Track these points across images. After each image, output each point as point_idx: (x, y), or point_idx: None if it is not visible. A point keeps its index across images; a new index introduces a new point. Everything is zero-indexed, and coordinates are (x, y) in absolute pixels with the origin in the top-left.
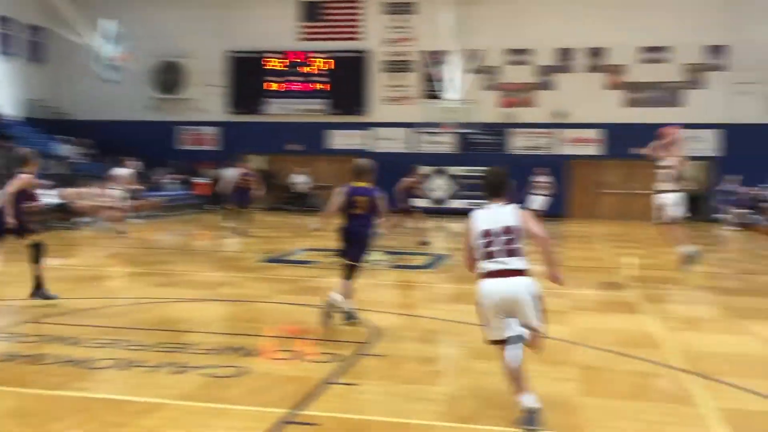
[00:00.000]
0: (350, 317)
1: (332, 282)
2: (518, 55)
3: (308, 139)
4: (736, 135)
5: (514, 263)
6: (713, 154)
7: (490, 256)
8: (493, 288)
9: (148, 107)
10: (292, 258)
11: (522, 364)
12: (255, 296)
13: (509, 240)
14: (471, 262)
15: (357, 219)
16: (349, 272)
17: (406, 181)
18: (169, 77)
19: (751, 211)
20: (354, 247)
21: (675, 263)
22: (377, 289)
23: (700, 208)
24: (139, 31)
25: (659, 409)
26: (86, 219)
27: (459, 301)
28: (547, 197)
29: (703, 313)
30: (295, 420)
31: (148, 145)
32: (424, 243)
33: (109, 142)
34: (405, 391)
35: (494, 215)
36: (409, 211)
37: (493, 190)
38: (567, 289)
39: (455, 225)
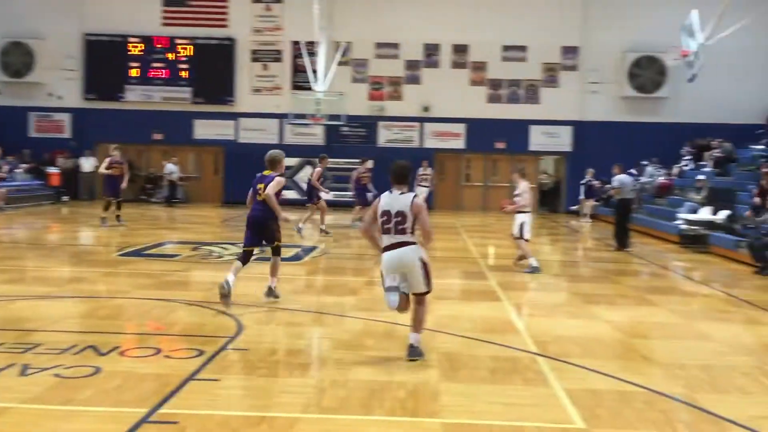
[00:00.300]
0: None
1: (197, 275)
2: (386, 48)
3: (173, 128)
4: (587, 131)
5: (403, 238)
6: (567, 150)
7: (387, 231)
8: (389, 257)
9: None
10: (153, 252)
11: (407, 311)
12: (112, 292)
13: (400, 221)
14: (367, 232)
15: (259, 204)
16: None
17: (356, 172)
18: (17, 59)
19: (599, 202)
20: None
21: (532, 253)
22: (242, 282)
23: (555, 200)
24: None
25: (516, 391)
26: None
27: (326, 293)
28: (429, 188)
29: (556, 300)
30: (154, 419)
31: None
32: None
33: None
34: (268, 385)
35: (394, 200)
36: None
37: (398, 178)
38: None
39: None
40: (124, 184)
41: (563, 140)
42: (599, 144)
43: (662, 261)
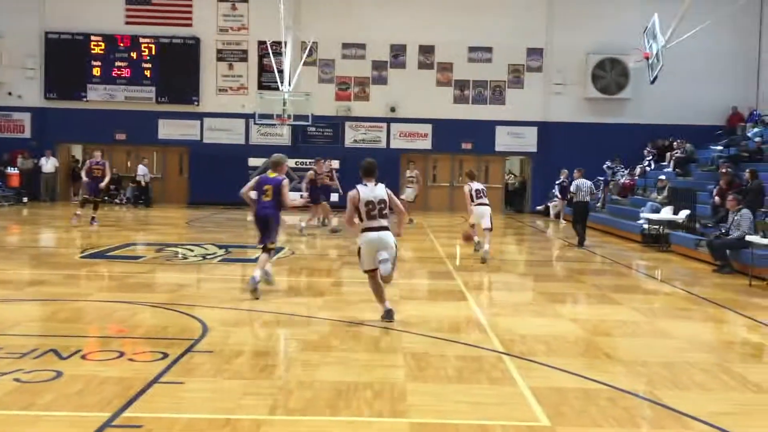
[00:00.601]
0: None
1: (161, 277)
2: (353, 49)
3: (136, 128)
4: (552, 132)
5: (384, 222)
6: (532, 150)
7: (372, 217)
8: (373, 236)
9: None
10: (116, 254)
11: (384, 281)
12: (74, 294)
13: (383, 207)
14: (350, 221)
15: (266, 204)
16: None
17: (309, 173)
18: None
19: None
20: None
21: (497, 252)
22: (208, 284)
23: (521, 200)
24: None
25: (482, 390)
26: None
27: (292, 294)
28: (415, 190)
29: (522, 299)
30: (117, 423)
31: None
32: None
33: None
34: (234, 387)
35: (371, 191)
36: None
37: (368, 173)
38: (397, 279)
39: (289, 218)
40: (102, 184)
41: (528, 141)
42: (564, 144)
43: (625, 260)
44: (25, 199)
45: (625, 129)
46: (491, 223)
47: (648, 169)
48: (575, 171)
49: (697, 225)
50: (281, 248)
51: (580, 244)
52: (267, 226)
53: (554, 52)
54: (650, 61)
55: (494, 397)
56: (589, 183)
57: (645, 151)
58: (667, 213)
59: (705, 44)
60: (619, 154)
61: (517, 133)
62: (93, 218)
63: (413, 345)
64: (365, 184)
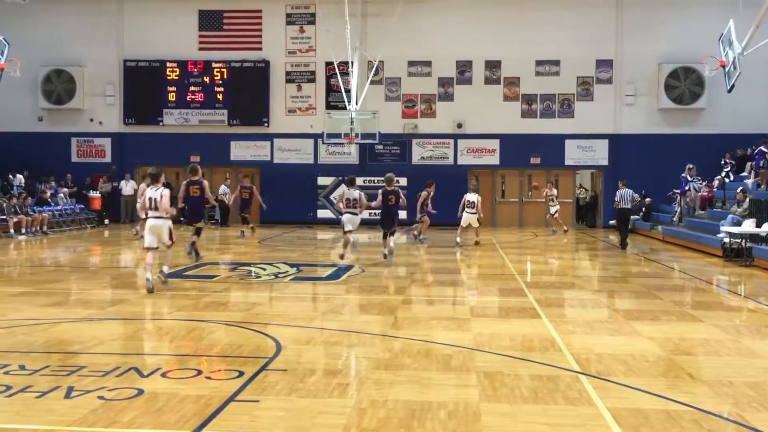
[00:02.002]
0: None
1: (235, 296)
2: (419, 66)
3: (210, 150)
4: (623, 144)
5: (356, 210)
6: (603, 163)
7: (348, 206)
8: (349, 218)
9: (36, 118)
10: (192, 273)
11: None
12: (153, 314)
13: (355, 203)
14: (338, 205)
15: (388, 207)
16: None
17: (422, 194)
18: (59, 86)
19: (638, 216)
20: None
21: (570, 269)
22: (281, 302)
23: (593, 215)
24: (25, 38)
25: (558, 411)
26: None
27: (364, 312)
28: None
29: (597, 316)
30: None
31: (39, 158)
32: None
33: None
34: (308, 405)
35: (350, 193)
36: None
37: (351, 182)
38: (468, 296)
39: (360, 236)
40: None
41: (599, 154)
42: (636, 156)
43: (706, 275)
44: (106, 221)
45: (700, 139)
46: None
47: (726, 180)
48: (619, 182)
49: None
50: (351, 266)
51: (623, 246)
52: (392, 220)
53: (624, 62)
54: (727, 69)
55: (571, 418)
56: (631, 192)
57: (723, 162)
58: (749, 226)
59: None
60: (693, 165)
61: (588, 146)
62: (242, 232)
63: (486, 364)
64: (349, 189)
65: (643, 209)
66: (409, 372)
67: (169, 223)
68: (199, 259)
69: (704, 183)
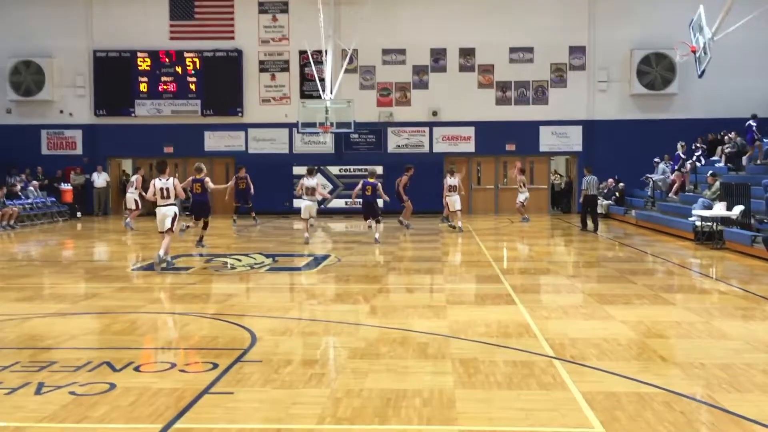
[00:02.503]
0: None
1: (210, 288)
2: (393, 54)
3: (183, 141)
4: (597, 130)
5: (312, 198)
6: (578, 149)
7: (306, 193)
8: (305, 205)
9: (5, 110)
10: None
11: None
12: (126, 307)
13: (312, 191)
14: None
15: (367, 197)
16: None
17: (405, 178)
18: (28, 78)
19: (611, 201)
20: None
21: (545, 254)
22: (256, 293)
23: (567, 200)
24: None
25: (532, 396)
26: None
27: (339, 301)
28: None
29: (572, 301)
30: None
31: (8, 151)
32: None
33: None
34: (282, 396)
35: (307, 181)
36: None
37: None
38: (444, 284)
39: (336, 225)
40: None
41: (573, 140)
42: (610, 142)
43: (678, 258)
44: (78, 214)
45: (672, 124)
46: (460, 206)
47: (698, 164)
48: (584, 169)
49: (752, 221)
50: (327, 255)
51: (586, 228)
52: (371, 209)
53: (597, 49)
54: (697, 55)
55: (545, 403)
56: (596, 178)
57: (693, 146)
58: (720, 209)
59: (753, 35)
60: (665, 153)
61: (562, 132)
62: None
63: (462, 351)
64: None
65: (616, 194)
66: (384, 360)
67: (175, 209)
68: (201, 247)
69: (675, 167)
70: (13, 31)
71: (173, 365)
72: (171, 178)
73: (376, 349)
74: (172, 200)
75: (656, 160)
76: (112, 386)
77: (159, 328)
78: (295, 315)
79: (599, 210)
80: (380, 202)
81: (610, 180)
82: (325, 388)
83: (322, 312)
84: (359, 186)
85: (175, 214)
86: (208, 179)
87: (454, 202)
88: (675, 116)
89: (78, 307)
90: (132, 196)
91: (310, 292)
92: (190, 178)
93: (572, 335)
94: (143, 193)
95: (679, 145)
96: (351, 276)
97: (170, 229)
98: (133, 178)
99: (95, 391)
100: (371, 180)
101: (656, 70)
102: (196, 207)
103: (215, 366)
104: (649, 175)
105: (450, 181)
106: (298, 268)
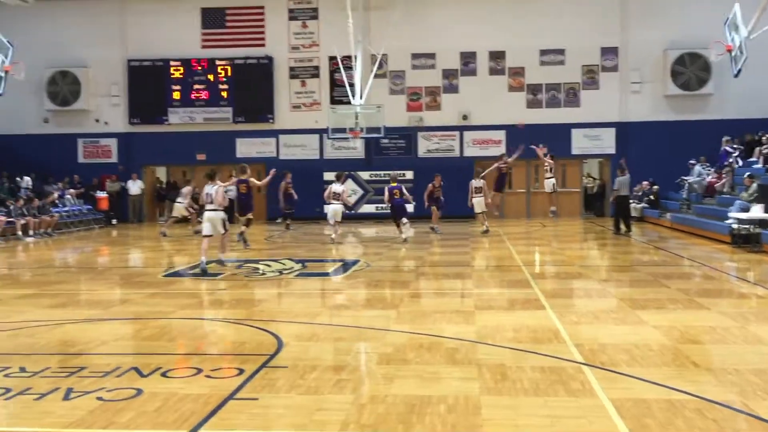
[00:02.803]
0: None
1: (239, 293)
2: (423, 59)
3: (215, 148)
4: (630, 132)
5: (339, 202)
6: (611, 152)
7: (330, 198)
8: (333, 208)
9: (42, 120)
10: (197, 270)
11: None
12: (157, 313)
13: (337, 196)
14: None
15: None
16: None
17: (430, 186)
18: (64, 88)
19: (646, 204)
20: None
21: (577, 258)
22: (285, 299)
23: (600, 204)
24: (29, 41)
25: (560, 403)
26: None
27: (368, 307)
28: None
29: (603, 306)
30: None
31: (45, 160)
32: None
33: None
34: (307, 402)
35: (336, 187)
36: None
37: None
38: (473, 289)
39: (366, 230)
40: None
41: (606, 142)
42: (643, 144)
43: (713, 262)
44: (114, 221)
45: (708, 125)
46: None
47: (735, 166)
48: (617, 169)
49: None
50: (356, 261)
51: (619, 231)
52: (400, 211)
53: (630, 50)
54: (733, 54)
55: (573, 410)
56: (629, 178)
57: (730, 147)
58: (757, 211)
59: None
60: (701, 155)
61: (594, 135)
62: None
63: (489, 357)
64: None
65: (651, 197)
66: (411, 366)
67: (223, 214)
68: (246, 246)
69: (712, 169)
70: (49, 42)
71: (200, 371)
72: (216, 185)
73: (403, 354)
74: (216, 206)
75: (692, 161)
76: (139, 392)
77: (187, 333)
78: (322, 321)
79: (633, 213)
80: (409, 207)
81: (645, 182)
82: (350, 394)
83: (350, 317)
84: (386, 193)
85: (223, 219)
86: (252, 179)
87: (478, 203)
88: (710, 117)
89: (110, 313)
90: (180, 205)
91: (338, 297)
92: (236, 179)
93: (602, 341)
94: (194, 205)
95: (723, 140)
96: (380, 281)
97: (225, 232)
98: (185, 189)
99: (122, 397)
100: (393, 184)
101: (691, 70)
102: (241, 205)
103: (241, 371)
104: (684, 178)
105: (475, 183)
106: (327, 274)
